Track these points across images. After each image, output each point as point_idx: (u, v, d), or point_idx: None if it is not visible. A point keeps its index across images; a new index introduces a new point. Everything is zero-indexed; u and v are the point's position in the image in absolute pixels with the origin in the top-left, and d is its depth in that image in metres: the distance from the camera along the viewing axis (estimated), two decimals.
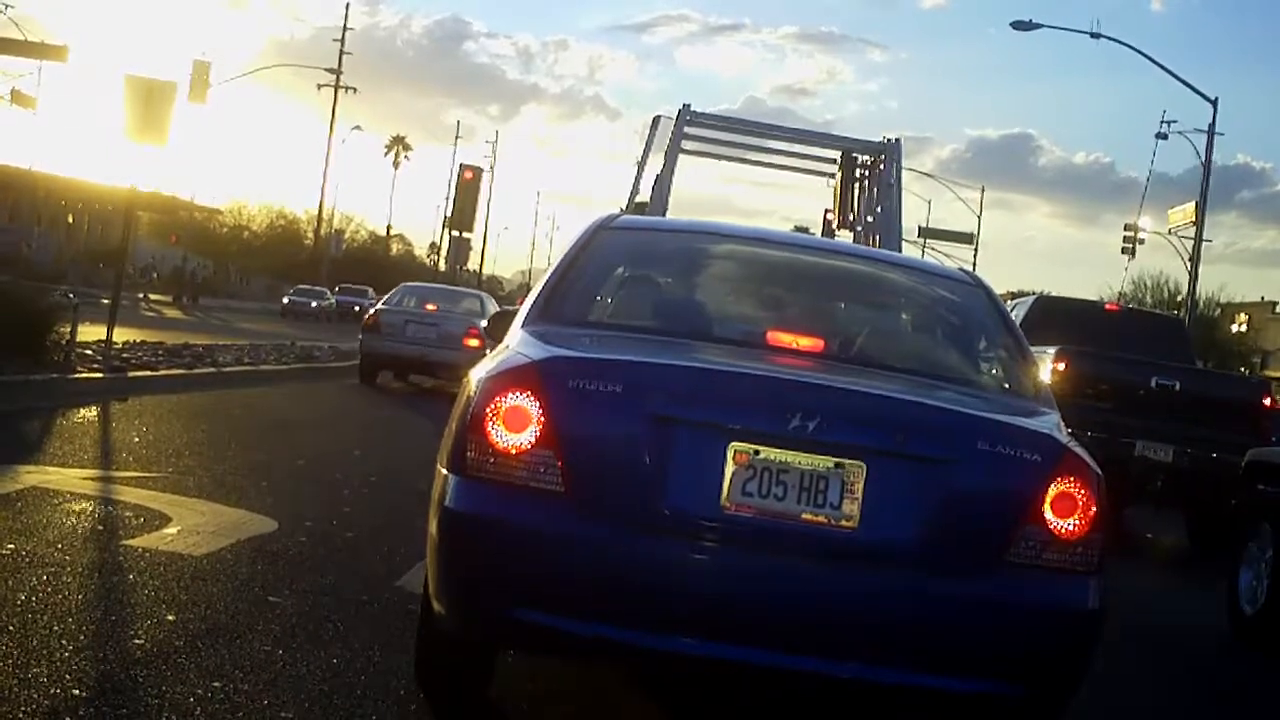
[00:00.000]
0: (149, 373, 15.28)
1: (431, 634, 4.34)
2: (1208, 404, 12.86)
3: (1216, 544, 12.60)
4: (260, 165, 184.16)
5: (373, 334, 20.92)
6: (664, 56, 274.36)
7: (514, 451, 3.82)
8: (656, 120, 24.37)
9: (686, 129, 23.72)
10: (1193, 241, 42.42)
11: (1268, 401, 13.09)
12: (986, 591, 3.83)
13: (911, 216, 65.64)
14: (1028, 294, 29.07)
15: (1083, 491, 3.89)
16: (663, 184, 22.83)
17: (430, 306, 21.98)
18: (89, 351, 15.16)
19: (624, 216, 6.14)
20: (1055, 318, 14.60)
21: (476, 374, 4.21)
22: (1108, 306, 18.01)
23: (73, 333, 14.39)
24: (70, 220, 66.10)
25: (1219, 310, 70.20)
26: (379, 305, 22.98)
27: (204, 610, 5.34)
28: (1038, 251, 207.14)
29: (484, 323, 5.52)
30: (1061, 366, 12.09)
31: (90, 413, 11.92)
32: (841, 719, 5.08)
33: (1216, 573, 10.02)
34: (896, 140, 23.89)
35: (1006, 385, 4.90)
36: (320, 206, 78.72)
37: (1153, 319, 20.41)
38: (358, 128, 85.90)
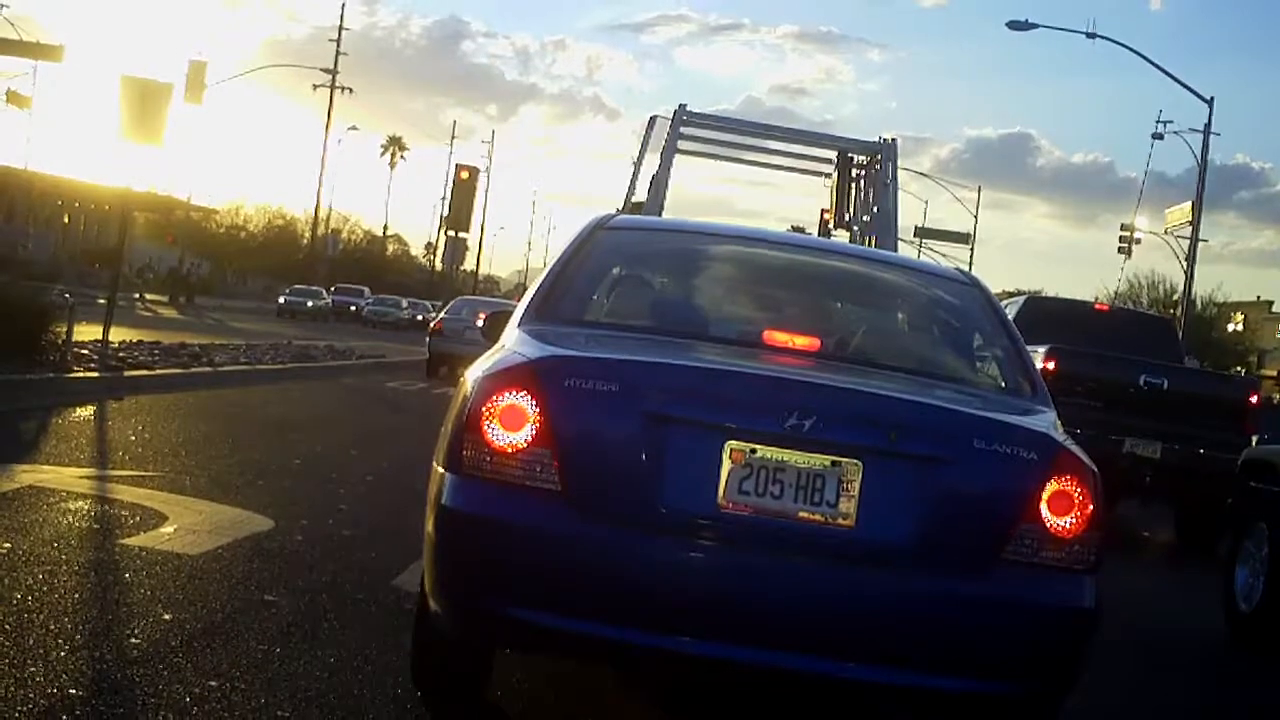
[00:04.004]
0: (145, 372, 15.28)
1: (428, 633, 4.34)
2: (1195, 402, 13.15)
3: (1204, 539, 12.86)
4: (257, 166, 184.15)
5: (438, 337, 25.68)
6: (663, 56, 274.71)
7: (510, 450, 3.83)
8: (653, 120, 24.32)
9: (683, 129, 23.67)
10: (1189, 241, 42.45)
11: (1254, 399, 13.33)
12: (983, 590, 3.83)
13: (908, 216, 65.73)
14: (1023, 294, 29.11)
15: (1079, 490, 3.90)
16: (659, 184, 22.78)
17: (482, 314, 24.30)
18: (85, 351, 15.14)
19: (620, 216, 6.14)
20: (1045, 318, 14.70)
21: (473, 373, 4.22)
22: (1097, 306, 18.17)
23: (69, 332, 14.37)
24: (66, 220, 66.05)
25: (1215, 310, 70.28)
26: (442, 315, 27.57)
27: (200, 609, 5.34)
28: (1035, 252, 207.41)
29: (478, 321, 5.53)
30: (1051, 365, 12.21)
31: (86, 412, 11.91)
32: (839, 718, 5.08)
33: (1211, 570, 10.04)
34: (893, 140, 23.84)
35: (1003, 384, 4.90)
36: (316, 207, 78.70)
37: (1142, 319, 20.72)
38: (354, 128, 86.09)
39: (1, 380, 11.79)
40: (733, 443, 3.80)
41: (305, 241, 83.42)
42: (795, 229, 30.14)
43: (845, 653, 3.79)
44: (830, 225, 26.58)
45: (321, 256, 78.47)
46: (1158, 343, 15.41)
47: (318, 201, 78.08)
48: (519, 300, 5.23)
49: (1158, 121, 45.21)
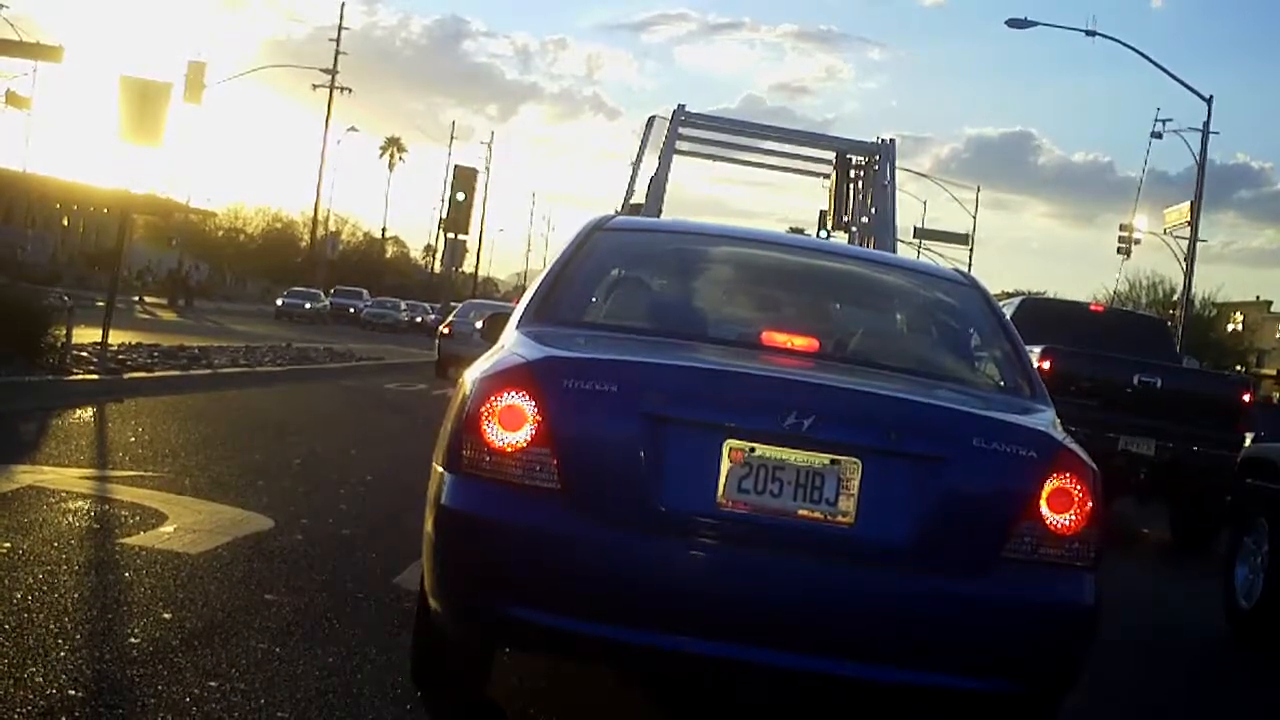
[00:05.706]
0: (145, 374, 15.29)
1: (428, 632, 4.34)
2: (1189, 400, 13.32)
3: (1198, 534, 12.98)
4: (256, 166, 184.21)
5: (448, 340, 26.92)
6: (663, 55, 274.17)
7: (510, 450, 3.83)
8: (652, 120, 24.39)
9: (681, 129, 23.74)
10: (1188, 241, 42.44)
11: (1246, 398, 13.46)
12: (983, 588, 3.84)
13: (907, 217, 65.72)
14: (1021, 294, 29.18)
15: (1079, 488, 3.91)
16: (657, 184, 22.83)
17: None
18: (85, 353, 15.14)
19: (619, 217, 6.16)
20: (1041, 318, 14.80)
21: (472, 374, 4.23)
22: (1092, 307, 18.34)
23: (68, 335, 14.38)
24: (65, 223, 66.06)
25: (1215, 310, 70.29)
26: (451, 318, 29.18)
27: (200, 608, 5.34)
28: (1035, 251, 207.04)
29: (480, 324, 5.54)
30: (1047, 365, 12.30)
31: (86, 414, 11.92)
32: (840, 717, 5.08)
33: (1210, 567, 10.05)
34: (890, 140, 23.94)
35: (1002, 383, 4.92)
36: (315, 208, 78.61)
37: (1137, 319, 21.01)
38: (354, 129, 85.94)
39: (1, 382, 11.80)
40: (732, 441, 3.81)
41: (304, 244, 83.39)
42: (794, 230, 30.17)
43: (845, 651, 3.80)
44: (829, 226, 26.62)
45: (320, 258, 78.41)
46: (1152, 342, 15.63)
47: (317, 203, 78.07)
48: (518, 302, 5.25)
49: (1157, 120, 45.16)
